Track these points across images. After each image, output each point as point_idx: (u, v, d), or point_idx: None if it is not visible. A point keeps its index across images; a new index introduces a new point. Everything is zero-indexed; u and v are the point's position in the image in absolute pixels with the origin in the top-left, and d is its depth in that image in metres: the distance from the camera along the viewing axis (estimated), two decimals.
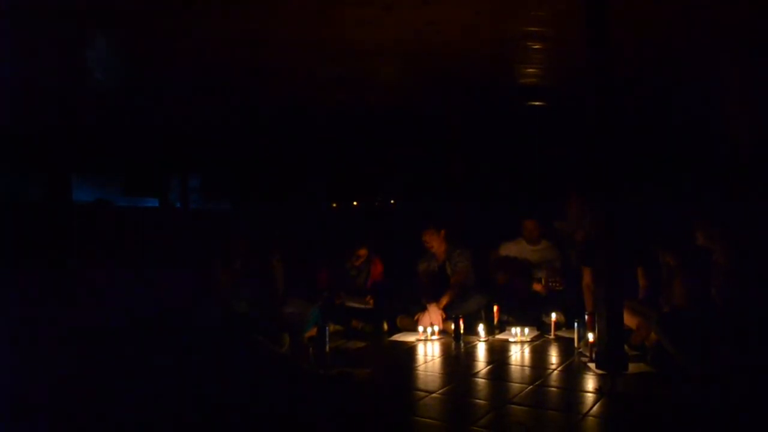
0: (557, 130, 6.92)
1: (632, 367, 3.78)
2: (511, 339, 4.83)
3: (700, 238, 3.90)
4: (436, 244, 5.55)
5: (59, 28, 4.25)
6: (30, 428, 3.05)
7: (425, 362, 4.34)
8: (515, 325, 4.94)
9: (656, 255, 4.23)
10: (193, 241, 5.54)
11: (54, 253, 4.83)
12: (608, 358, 3.74)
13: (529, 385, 3.60)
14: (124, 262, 4.63)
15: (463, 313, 5.05)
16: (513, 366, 4.14)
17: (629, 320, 4.11)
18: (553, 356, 4.39)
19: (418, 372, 4.08)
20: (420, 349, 4.73)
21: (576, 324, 4.48)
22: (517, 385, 3.62)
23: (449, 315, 5.12)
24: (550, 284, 5.28)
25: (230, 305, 4.66)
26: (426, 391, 3.48)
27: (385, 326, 5.30)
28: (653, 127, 6.40)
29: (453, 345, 4.79)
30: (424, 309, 5.19)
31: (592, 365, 3.89)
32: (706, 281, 3.81)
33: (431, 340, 4.93)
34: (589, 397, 3.33)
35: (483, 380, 3.80)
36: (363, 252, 5.70)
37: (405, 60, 5.16)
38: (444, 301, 5.23)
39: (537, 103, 6.66)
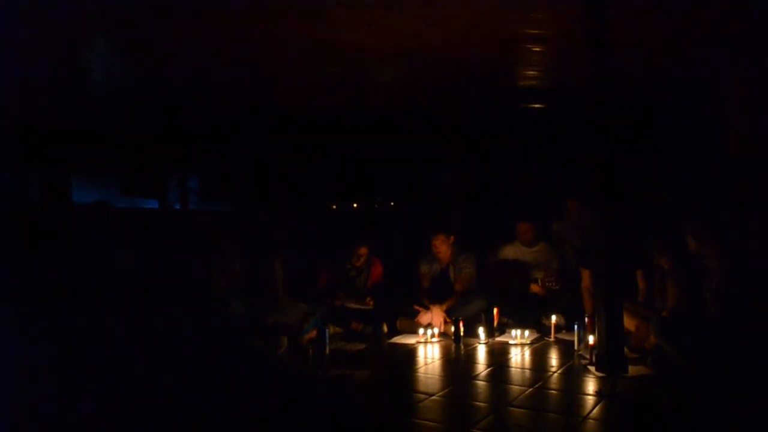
0: (557, 132, 6.92)
1: (632, 370, 3.77)
2: (511, 341, 4.83)
3: (690, 243, 3.90)
4: (444, 249, 5.55)
5: (60, 29, 4.25)
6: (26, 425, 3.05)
7: (425, 364, 4.33)
8: (515, 327, 4.93)
9: (653, 257, 4.23)
10: (192, 243, 5.52)
11: (53, 254, 4.81)
12: (608, 360, 3.74)
13: (529, 387, 3.60)
14: (124, 263, 4.63)
15: (464, 316, 5.05)
16: (513, 368, 4.13)
17: (629, 323, 4.10)
18: (553, 359, 4.38)
19: (418, 374, 4.08)
20: (420, 351, 4.72)
21: (576, 326, 4.47)
22: (517, 387, 3.61)
23: (450, 318, 5.12)
24: (547, 284, 5.27)
25: (228, 307, 4.65)
26: (426, 394, 3.48)
27: (385, 328, 5.29)
28: (653, 127, 6.40)
29: (453, 347, 4.79)
30: (425, 309, 5.20)
31: (592, 368, 3.89)
32: (698, 285, 3.80)
33: (431, 342, 4.92)
34: (589, 400, 3.33)
35: (483, 382, 3.80)
36: (363, 251, 5.68)
37: (405, 61, 5.16)
38: (447, 305, 5.23)
39: (537, 105, 6.67)
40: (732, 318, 3.60)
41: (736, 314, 3.60)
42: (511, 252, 5.70)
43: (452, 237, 5.58)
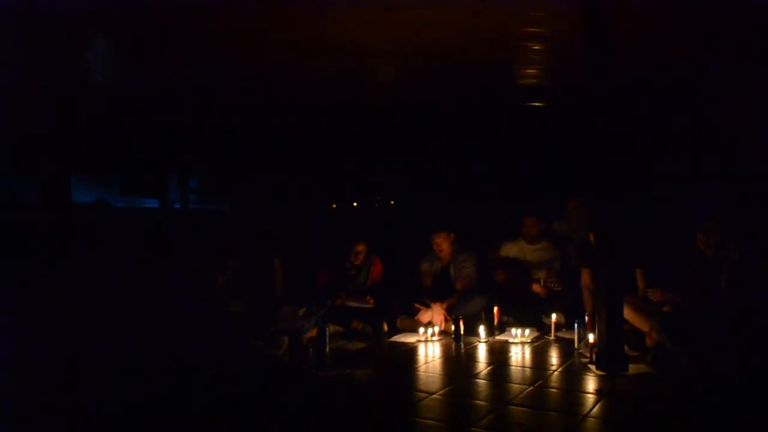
0: (557, 131, 6.93)
1: (632, 368, 3.78)
2: (512, 340, 4.83)
3: (718, 231, 3.86)
4: (445, 246, 5.54)
5: (60, 30, 4.25)
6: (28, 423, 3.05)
7: (425, 363, 4.33)
8: (515, 326, 4.93)
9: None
10: (192, 242, 5.53)
11: (53, 253, 4.82)
12: (608, 358, 3.74)
13: (530, 386, 3.60)
14: (123, 262, 4.63)
15: (464, 315, 5.04)
16: (513, 367, 4.13)
17: (630, 315, 4.11)
18: (554, 357, 4.38)
19: (418, 373, 4.08)
20: (420, 350, 4.72)
21: (576, 325, 4.47)
22: (517, 386, 3.62)
23: (451, 316, 5.12)
24: (549, 285, 5.27)
25: (226, 306, 4.65)
26: (426, 392, 3.48)
27: (385, 327, 5.28)
28: (654, 126, 6.40)
29: (453, 346, 4.79)
30: (426, 307, 5.21)
31: (592, 366, 3.89)
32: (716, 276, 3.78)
33: (431, 341, 4.92)
34: (590, 398, 3.33)
35: (483, 381, 3.80)
36: (361, 247, 5.65)
37: (405, 60, 5.16)
38: (447, 303, 5.23)
39: (536, 104, 6.67)
40: (742, 312, 3.57)
41: (748, 307, 3.57)
42: (513, 249, 5.68)
43: (453, 234, 5.58)
